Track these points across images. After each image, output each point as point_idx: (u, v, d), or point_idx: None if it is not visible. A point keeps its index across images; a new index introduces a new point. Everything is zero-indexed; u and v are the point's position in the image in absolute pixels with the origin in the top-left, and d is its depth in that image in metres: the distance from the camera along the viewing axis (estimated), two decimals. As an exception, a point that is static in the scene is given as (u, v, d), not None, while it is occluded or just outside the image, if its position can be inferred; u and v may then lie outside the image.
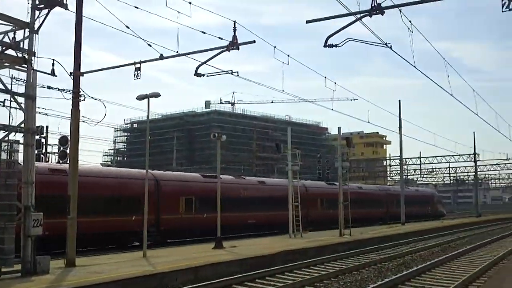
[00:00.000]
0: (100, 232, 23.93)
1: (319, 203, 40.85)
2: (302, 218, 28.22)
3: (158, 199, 27.25)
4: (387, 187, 63.04)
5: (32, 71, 14.56)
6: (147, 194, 19.19)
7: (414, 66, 20.53)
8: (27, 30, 14.56)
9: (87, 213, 20.16)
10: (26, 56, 14.47)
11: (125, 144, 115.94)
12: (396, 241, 27.32)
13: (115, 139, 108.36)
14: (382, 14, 15.55)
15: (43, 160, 30.99)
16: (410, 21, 17.96)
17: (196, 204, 29.80)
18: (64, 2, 14.97)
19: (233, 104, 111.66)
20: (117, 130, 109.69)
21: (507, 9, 13.31)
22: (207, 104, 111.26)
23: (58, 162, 28.89)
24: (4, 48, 14.21)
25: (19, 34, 14.56)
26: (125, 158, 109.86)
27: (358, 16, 15.70)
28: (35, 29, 14.63)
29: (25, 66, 14.52)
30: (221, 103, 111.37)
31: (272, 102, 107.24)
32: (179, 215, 28.71)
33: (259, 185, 36.58)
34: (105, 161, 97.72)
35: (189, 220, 29.01)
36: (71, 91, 16.78)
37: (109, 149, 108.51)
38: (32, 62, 14.54)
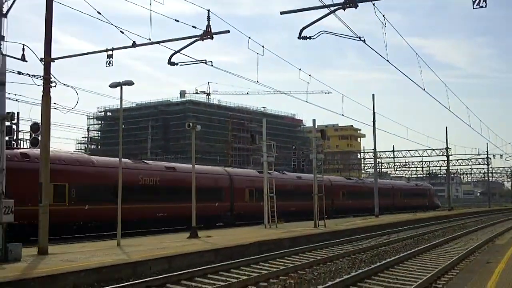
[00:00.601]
0: (201, 215, 26.53)
1: (341, 195, 49.70)
2: (327, 207, 31.31)
3: (232, 191, 35.57)
4: (392, 181, 73.19)
5: (1, 55, 14.21)
6: (121, 183, 18.96)
7: (387, 60, 20.67)
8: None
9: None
10: (-5, 41, 14.11)
11: (99, 133, 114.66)
12: (370, 233, 27.57)
13: (89, 127, 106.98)
14: (356, 8, 15.57)
15: (14, 147, 30.39)
16: (383, 15, 18.05)
17: (255, 194, 36.03)
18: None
19: (208, 94, 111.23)
20: (91, 118, 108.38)
21: (478, 6, 13.35)
22: (182, 93, 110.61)
23: (29, 148, 28.36)
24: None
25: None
26: (99, 147, 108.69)
27: (332, 8, 15.68)
28: (4, 12, 14.29)
29: (-6, 50, 14.16)
30: (197, 93, 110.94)
31: (247, 94, 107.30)
32: (245, 202, 36.04)
33: (295, 180, 44.10)
34: (78, 149, 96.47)
35: (251, 206, 35.89)
36: (42, 77, 16.42)
37: (82, 137, 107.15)
38: (1, 46, 14.20)
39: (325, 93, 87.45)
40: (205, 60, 19.40)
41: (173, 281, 12.40)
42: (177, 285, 12.19)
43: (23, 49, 15.98)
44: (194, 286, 12.11)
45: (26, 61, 16.23)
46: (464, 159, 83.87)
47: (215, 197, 33.63)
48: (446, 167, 74.10)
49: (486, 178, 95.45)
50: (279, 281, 12.78)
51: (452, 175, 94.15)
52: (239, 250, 17.98)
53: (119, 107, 20.36)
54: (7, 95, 15.18)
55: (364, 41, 18.73)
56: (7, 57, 14.61)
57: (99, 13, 16.60)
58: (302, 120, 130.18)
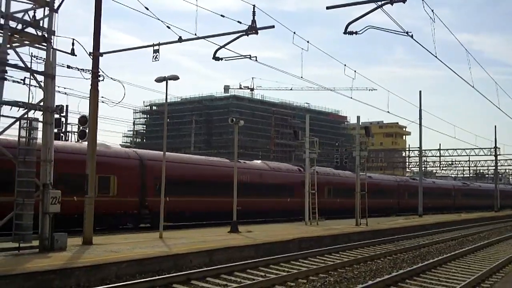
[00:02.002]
0: (277, 209, 34.29)
1: (406, 195, 52.52)
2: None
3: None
4: (454, 182, 76.06)
5: (51, 49, 14.61)
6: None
7: (436, 56, 20.23)
8: (47, 8, 14.62)
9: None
10: (46, 35, 14.50)
11: (144, 126, 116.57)
12: (412, 233, 27.12)
13: (135, 121, 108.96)
14: (404, 2, 15.28)
15: (63, 139, 31.27)
16: (432, 10, 17.65)
17: (332, 192, 39.83)
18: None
19: (252, 89, 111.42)
20: (137, 112, 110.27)
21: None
22: (226, 88, 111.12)
23: (77, 141, 29.13)
24: (24, 26, 14.25)
25: (39, 13, 14.63)
26: (144, 140, 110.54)
27: (379, 3, 15.44)
28: (55, 8, 14.66)
29: (45, 44, 14.58)
30: (240, 88, 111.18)
31: (291, 89, 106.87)
32: (324, 199, 36.24)
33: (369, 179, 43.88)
34: (124, 142, 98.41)
35: (330, 203, 37.84)
36: (90, 71, 16.81)
37: (128, 130, 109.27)
38: (52, 40, 14.59)
39: (369, 90, 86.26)
40: (250, 55, 19.47)
41: (212, 275, 12.52)
42: (216, 278, 12.30)
43: (73, 44, 16.40)
44: (233, 281, 12.19)
45: (76, 55, 16.66)
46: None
47: (288, 193, 35.74)
48: (494, 167, 72.00)
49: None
50: (319, 279, 12.73)
51: (500, 175, 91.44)
52: (279, 246, 17.99)
53: (164, 101, 20.60)
54: (56, 88, 15.55)
55: (412, 36, 18.39)
56: (57, 51, 14.99)
57: (147, 9, 16.88)
58: (346, 117, 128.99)
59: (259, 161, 39.06)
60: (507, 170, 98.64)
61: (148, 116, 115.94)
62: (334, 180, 41.87)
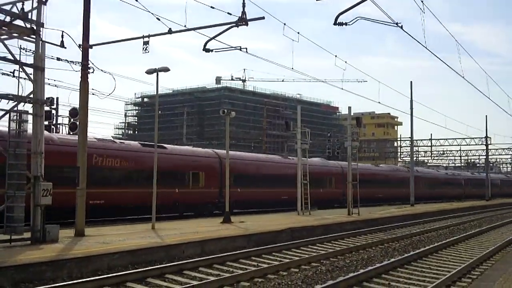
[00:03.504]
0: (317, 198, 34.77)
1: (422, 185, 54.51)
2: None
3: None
4: (466, 173, 79.36)
5: (40, 42, 14.52)
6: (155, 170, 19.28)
7: (426, 47, 20.33)
8: (35, 0, 14.51)
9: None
10: (35, 27, 14.41)
11: (136, 118, 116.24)
12: (404, 222, 27.30)
13: (126, 113, 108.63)
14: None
15: (53, 132, 31.11)
16: (422, 1, 17.69)
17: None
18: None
19: (244, 81, 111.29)
20: (128, 104, 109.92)
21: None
22: (218, 80, 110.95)
23: (68, 133, 29.02)
24: (12, 18, 14.15)
25: (28, 5, 14.52)
26: (136, 132, 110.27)
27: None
28: (43, 0, 14.54)
29: (34, 37, 14.50)
30: (232, 79, 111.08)
31: (283, 81, 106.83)
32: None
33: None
34: (115, 134, 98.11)
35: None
36: (80, 63, 16.72)
37: (120, 122, 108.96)
38: (41, 33, 14.50)
39: (360, 81, 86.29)
40: (240, 46, 19.41)
41: (205, 265, 12.57)
42: (209, 268, 12.35)
43: (62, 36, 16.24)
44: (225, 270, 12.24)
45: (65, 48, 16.51)
46: (504, 149, 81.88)
47: (327, 185, 40.73)
48: (485, 157, 72.46)
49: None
50: (311, 268, 12.81)
51: (491, 164, 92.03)
52: (271, 236, 18.07)
53: (155, 93, 20.56)
54: (46, 80, 15.50)
55: (401, 27, 18.44)
56: (46, 44, 14.90)
57: (136, 0, 16.77)
58: (337, 108, 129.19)
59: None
60: (498, 160, 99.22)
61: (139, 108, 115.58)
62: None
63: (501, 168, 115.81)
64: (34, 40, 14.53)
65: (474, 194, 68.27)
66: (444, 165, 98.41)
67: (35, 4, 14.50)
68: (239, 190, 29.91)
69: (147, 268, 11.62)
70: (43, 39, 14.66)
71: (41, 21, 14.53)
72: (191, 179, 28.80)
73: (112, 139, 30.72)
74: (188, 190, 28.33)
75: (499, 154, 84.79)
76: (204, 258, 13.28)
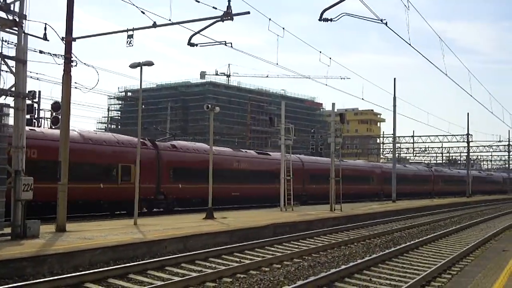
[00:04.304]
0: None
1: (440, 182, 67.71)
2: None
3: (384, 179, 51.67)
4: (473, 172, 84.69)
5: (23, 34, 14.35)
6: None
7: (409, 44, 20.49)
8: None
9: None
10: (17, 19, 14.23)
11: (119, 112, 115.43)
12: (386, 218, 27.51)
13: (109, 107, 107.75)
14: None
15: (35, 125, 30.81)
16: (406, -2, 17.80)
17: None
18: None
19: (228, 76, 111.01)
20: (111, 98, 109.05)
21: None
22: (202, 74, 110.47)
23: (51, 127, 28.74)
24: (-6, 10, 13.95)
25: (10, -3, 14.31)
26: (119, 126, 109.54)
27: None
28: (26, -8, 14.36)
29: (16, 29, 14.31)
30: (217, 74, 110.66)
31: (267, 76, 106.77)
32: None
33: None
34: (98, 128, 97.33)
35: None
36: (63, 56, 16.56)
37: (103, 117, 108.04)
38: (23, 25, 14.32)
39: (342, 78, 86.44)
40: (225, 41, 19.41)
41: (187, 261, 12.55)
42: (191, 265, 12.34)
43: (45, 28, 16.08)
44: (208, 266, 12.24)
45: (48, 40, 16.34)
46: (485, 146, 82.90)
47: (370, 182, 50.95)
48: (466, 154, 73.25)
49: (507, 165, 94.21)
50: (293, 264, 12.87)
51: (472, 161, 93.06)
52: (254, 232, 18.10)
53: (139, 87, 20.43)
54: (28, 73, 15.36)
55: (386, 23, 18.58)
56: (29, 36, 14.72)
57: (120, -7, 16.64)
58: (321, 104, 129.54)
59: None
60: (479, 157, 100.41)
61: (123, 102, 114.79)
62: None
63: (482, 165, 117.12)
64: (16, 32, 14.35)
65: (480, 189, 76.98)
66: (426, 161, 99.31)
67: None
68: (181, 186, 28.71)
69: (128, 264, 11.57)
70: (26, 31, 14.49)
71: (24, 13, 14.36)
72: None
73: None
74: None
75: (480, 152, 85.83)
76: (186, 254, 13.27)
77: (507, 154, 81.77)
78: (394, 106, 45.72)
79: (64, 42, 16.52)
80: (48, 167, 19.35)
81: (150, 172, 26.13)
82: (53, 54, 20.83)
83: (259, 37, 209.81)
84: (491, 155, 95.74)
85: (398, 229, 22.19)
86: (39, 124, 32.59)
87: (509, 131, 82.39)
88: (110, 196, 23.36)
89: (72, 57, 16.50)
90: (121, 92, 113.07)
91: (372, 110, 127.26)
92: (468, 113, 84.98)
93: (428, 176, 66.29)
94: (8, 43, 15.30)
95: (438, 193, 62.97)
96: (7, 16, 14.21)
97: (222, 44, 19.40)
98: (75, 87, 26.13)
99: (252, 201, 33.42)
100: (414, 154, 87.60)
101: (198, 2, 18.12)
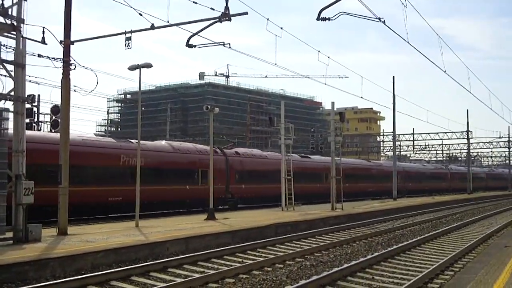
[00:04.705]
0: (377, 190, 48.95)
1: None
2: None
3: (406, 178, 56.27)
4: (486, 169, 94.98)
5: (21, 38, 14.35)
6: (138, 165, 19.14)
7: (408, 42, 20.50)
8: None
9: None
10: (15, 23, 14.22)
11: (119, 115, 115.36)
12: (387, 216, 27.50)
13: (109, 110, 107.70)
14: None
15: (35, 129, 30.79)
16: (404, -5, 17.80)
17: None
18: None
19: (227, 76, 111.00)
20: (111, 100, 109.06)
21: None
22: (201, 75, 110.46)
23: (50, 131, 28.73)
24: (-8, 14, 13.94)
25: (8, 1, 14.34)
26: (119, 129, 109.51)
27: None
28: (24, -4, 14.36)
29: (14, 33, 14.30)
30: (216, 75, 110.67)
31: (266, 77, 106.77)
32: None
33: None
34: (98, 131, 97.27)
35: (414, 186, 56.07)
36: (61, 60, 16.55)
37: (102, 119, 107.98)
38: (21, 29, 14.32)
39: (340, 77, 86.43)
40: (223, 42, 19.39)
41: (190, 262, 12.55)
42: (193, 266, 12.33)
43: (43, 32, 16.10)
44: (210, 267, 12.24)
45: (46, 44, 16.39)
46: (485, 142, 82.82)
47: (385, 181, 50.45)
48: (466, 150, 73.25)
49: (507, 161, 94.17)
50: (295, 263, 12.86)
51: (473, 158, 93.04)
52: (255, 232, 18.10)
53: (138, 89, 20.43)
54: (27, 77, 15.33)
55: (384, 22, 18.57)
56: (27, 40, 14.72)
57: (118, -5, 16.61)
58: (321, 103, 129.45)
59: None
60: (479, 153, 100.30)
61: (122, 104, 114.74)
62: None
63: (482, 162, 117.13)
64: (14, 36, 14.34)
65: (495, 186, 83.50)
66: (427, 159, 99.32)
67: (15, 0, 14.31)
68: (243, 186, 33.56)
69: (131, 267, 11.57)
70: (24, 35, 14.48)
71: (22, 17, 14.36)
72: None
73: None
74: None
75: (480, 148, 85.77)
76: (188, 255, 13.26)
77: (508, 150, 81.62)
78: (394, 104, 45.75)
79: (63, 45, 16.52)
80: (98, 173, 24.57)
81: (221, 175, 31.27)
82: (52, 58, 20.81)
83: (258, 37, 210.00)
84: (491, 152, 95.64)
85: (399, 227, 22.18)
86: (39, 128, 32.56)
87: (509, 127, 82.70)
88: (193, 196, 27.36)
89: (70, 61, 16.49)
90: (120, 94, 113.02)
91: (372, 108, 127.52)
92: (467, 110, 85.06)
93: (444, 174, 70.39)
94: (6, 48, 15.29)
95: (454, 190, 66.83)
96: (5, 21, 14.20)
97: (220, 45, 19.38)
98: (74, 90, 26.04)
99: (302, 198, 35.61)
100: (414, 152, 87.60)
101: (196, 3, 18.12)
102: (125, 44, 18.32)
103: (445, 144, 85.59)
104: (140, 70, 19.06)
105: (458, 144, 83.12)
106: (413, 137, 77.26)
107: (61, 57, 16.65)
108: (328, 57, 25.23)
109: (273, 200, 31.98)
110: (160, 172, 27.63)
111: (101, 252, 12.31)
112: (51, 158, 19.22)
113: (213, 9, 17.32)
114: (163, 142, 31.40)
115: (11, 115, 14.09)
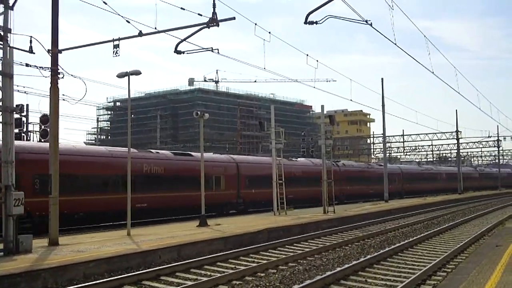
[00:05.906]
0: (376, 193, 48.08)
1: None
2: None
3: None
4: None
5: (8, 48, 14.24)
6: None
7: (395, 44, 20.58)
8: (1, 6, 14.24)
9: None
10: (2, 33, 14.14)
11: (109, 123, 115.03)
12: (379, 218, 27.56)
13: (98, 118, 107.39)
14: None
15: (24, 139, 30.61)
16: (389, -3, 17.92)
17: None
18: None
19: (217, 82, 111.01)
20: (100, 109, 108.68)
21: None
22: (191, 81, 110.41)
23: (40, 141, 28.57)
24: (-22, 24, 13.85)
25: (-6, 11, 14.22)
26: (109, 137, 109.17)
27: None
28: (10, 5, 14.29)
29: (1, 43, 14.20)
30: (205, 81, 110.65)
31: (255, 81, 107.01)
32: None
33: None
34: (88, 140, 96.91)
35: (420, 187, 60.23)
36: (49, 68, 16.46)
37: (92, 128, 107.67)
38: (8, 39, 14.23)
39: (328, 81, 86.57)
40: (211, 47, 19.37)
41: (182, 270, 12.50)
42: (186, 273, 12.28)
43: (31, 41, 15.98)
44: (203, 274, 12.19)
45: (34, 53, 16.23)
46: (474, 142, 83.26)
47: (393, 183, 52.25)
48: (456, 151, 73.61)
49: (497, 160, 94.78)
50: (288, 268, 12.85)
51: (463, 158, 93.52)
52: (248, 237, 18.07)
53: (127, 97, 20.37)
54: (15, 87, 15.22)
55: (371, 24, 18.66)
56: (14, 50, 14.62)
57: (105, 3, 16.54)
58: (311, 106, 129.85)
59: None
60: (469, 153, 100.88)
61: (112, 112, 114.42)
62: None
63: (472, 161, 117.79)
64: (1, 46, 14.25)
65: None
66: (417, 160, 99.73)
67: (1, 10, 14.24)
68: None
69: (123, 276, 11.50)
70: (11, 44, 14.40)
71: (8, 27, 14.27)
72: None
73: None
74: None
75: (470, 148, 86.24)
76: (181, 262, 13.21)
77: (497, 149, 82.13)
78: (383, 106, 45.95)
79: (50, 54, 16.43)
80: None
81: (233, 181, 33.89)
82: (40, 67, 20.70)
83: (246, 42, 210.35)
84: (481, 151, 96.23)
85: (391, 229, 22.23)
86: (28, 138, 32.38)
87: (497, 126, 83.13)
88: (208, 201, 27.16)
89: (58, 69, 16.39)
90: (109, 102, 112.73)
91: (361, 110, 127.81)
92: (456, 110, 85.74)
93: (456, 174, 70.88)
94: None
95: (465, 189, 68.15)
96: (-8, 31, 14.12)
97: (209, 50, 19.36)
98: (63, 99, 25.75)
99: (302, 202, 36.54)
100: (405, 153, 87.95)
101: (183, 9, 18.13)
102: (113, 52, 18.25)
103: (435, 145, 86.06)
104: (129, 77, 18.99)
105: (448, 144, 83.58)
106: (403, 139, 77.56)
107: (49, 66, 16.56)
108: (317, 61, 25.34)
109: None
110: (179, 179, 29.10)
111: (93, 261, 12.23)
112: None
113: (201, 15, 17.33)
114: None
115: (-1, 126, 13.99)
